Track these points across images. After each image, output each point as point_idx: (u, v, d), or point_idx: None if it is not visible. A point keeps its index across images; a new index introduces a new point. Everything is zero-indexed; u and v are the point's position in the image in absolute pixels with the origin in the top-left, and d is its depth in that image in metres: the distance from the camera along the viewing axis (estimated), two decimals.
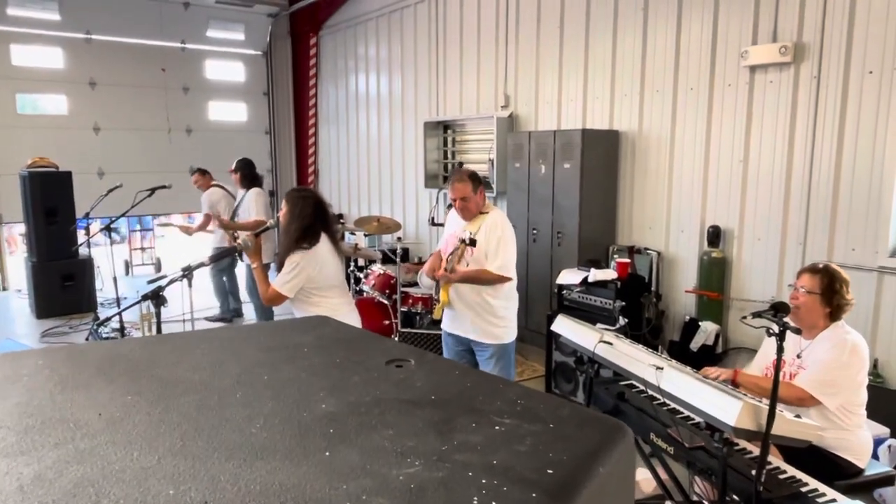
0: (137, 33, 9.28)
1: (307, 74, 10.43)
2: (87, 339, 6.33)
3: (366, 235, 7.73)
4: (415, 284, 5.69)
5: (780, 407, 2.25)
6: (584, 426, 0.99)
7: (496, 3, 6.79)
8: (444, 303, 3.57)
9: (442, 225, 6.12)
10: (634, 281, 4.96)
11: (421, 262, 6.68)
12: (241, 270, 6.61)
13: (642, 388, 2.78)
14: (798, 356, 2.83)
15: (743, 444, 2.54)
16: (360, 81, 9.40)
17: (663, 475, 2.89)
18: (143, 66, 9.35)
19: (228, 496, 0.84)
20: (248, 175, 6.23)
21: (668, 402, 2.62)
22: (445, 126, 7.89)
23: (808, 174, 4.35)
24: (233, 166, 6.32)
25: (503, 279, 3.49)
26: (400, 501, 0.79)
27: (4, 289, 8.80)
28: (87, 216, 6.47)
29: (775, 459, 2.48)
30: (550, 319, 4.55)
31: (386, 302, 5.58)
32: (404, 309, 5.53)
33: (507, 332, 3.65)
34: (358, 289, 6.11)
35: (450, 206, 3.90)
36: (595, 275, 4.77)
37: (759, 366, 3.03)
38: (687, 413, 2.62)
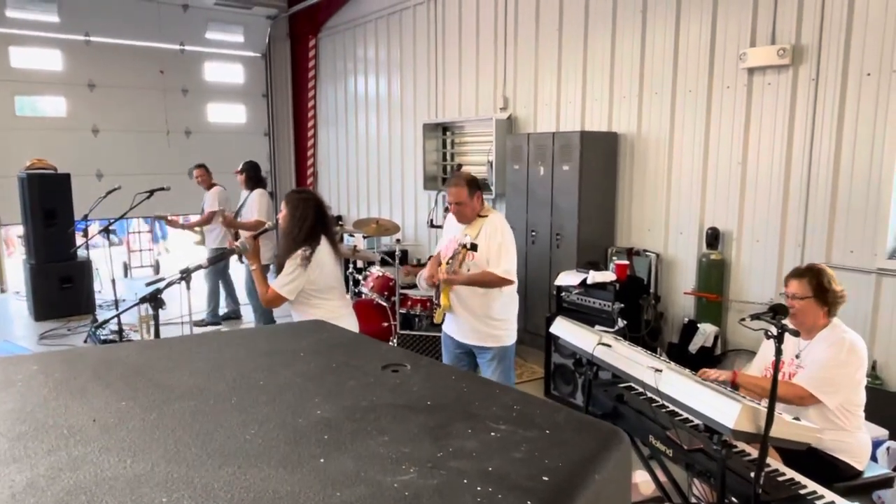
0: (136, 35, 9.28)
1: (306, 76, 10.43)
2: (85, 341, 6.32)
3: (364, 237, 7.74)
4: (414, 286, 5.69)
5: (778, 409, 2.25)
6: (580, 432, 0.98)
7: (495, 5, 6.79)
8: (445, 307, 3.56)
9: (441, 227, 6.13)
10: (633, 283, 4.96)
11: (420, 264, 6.68)
12: (241, 271, 6.60)
13: (641, 390, 2.77)
14: (797, 356, 2.84)
15: (742, 446, 2.54)
16: (360, 83, 9.40)
17: (662, 477, 2.89)
18: (142, 67, 9.36)
19: None
20: (254, 177, 6.30)
21: (666, 404, 2.62)
22: (444, 128, 7.89)
23: (807, 176, 4.34)
24: (239, 168, 6.38)
25: (507, 282, 3.49)
26: None
27: (3, 291, 8.79)
28: (85, 218, 6.46)
29: (774, 462, 2.48)
30: (549, 321, 4.54)
31: (385, 304, 5.57)
32: (403, 311, 5.52)
33: (508, 334, 3.65)
34: (357, 291, 6.10)
35: (447, 209, 3.90)
36: (594, 277, 4.77)
37: (758, 367, 3.03)
38: (686, 415, 2.61)
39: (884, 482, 2.79)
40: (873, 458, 2.91)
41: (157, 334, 3.37)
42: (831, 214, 4.25)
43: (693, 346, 4.84)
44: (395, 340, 5.33)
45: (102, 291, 7.71)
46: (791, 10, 4.35)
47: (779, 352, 2.24)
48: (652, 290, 5.22)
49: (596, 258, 5.37)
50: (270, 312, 5.71)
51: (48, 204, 7.24)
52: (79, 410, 1.18)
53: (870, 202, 4.05)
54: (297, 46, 10.56)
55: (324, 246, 3.48)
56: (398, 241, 6.02)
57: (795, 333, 2.34)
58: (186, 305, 5.81)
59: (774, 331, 2.26)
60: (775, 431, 2.16)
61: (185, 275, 3.48)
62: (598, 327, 3.96)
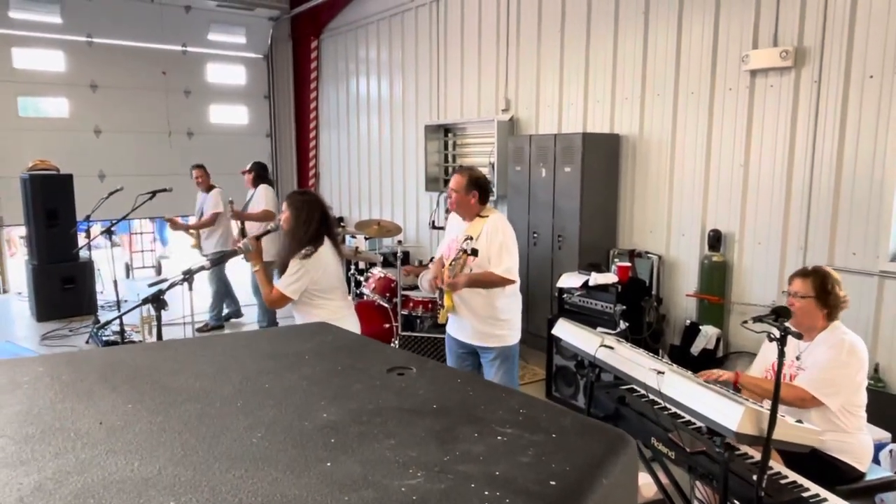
0: (139, 36, 9.29)
1: (308, 77, 10.43)
2: (87, 342, 6.33)
3: (366, 238, 7.75)
4: (415, 288, 5.69)
5: (781, 412, 2.25)
6: (586, 436, 0.98)
7: (497, 7, 6.80)
8: (449, 308, 3.57)
9: (442, 228, 6.13)
10: (635, 285, 4.96)
11: (422, 265, 6.68)
12: (246, 270, 6.59)
13: (643, 392, 2.77)
14: (797, 358, 2.84)
15: (744, 448, 2.54)
16: (362, 85, 9.41)
17: (664, 480, 2.88)
18: (145, 69, 9.36)
19: None
20: (262, 176, 6.48)
21: (669, 406, 2.62)
22: (446, 129, 7.89)
23: (809, 178, 4.34)
24: (247, 167, 6.47)
25: (508, 282, 3.49)
26: None
27: (5, 291, 8.80)
28: (87, 219, 6.47)
29: (776, 464, 2.48)
30: (551, 323, 4.54)
31: (386, 305, 5.57)
32: (405, 312, 5.52)
33: (511, 334, 3.65)
34: (358, 292, 6.11)
35: (448, 210, 3.90)
36: (596, 278, 4.77)
37: (758, 369, 3.03)
38: (688, 417, 2.61)
39: (887, 485, 2.78)
40: (876, 460, 2.91)
41: (159, 335, 3.38)
42: (834, 217, 4.24)
43: (695, 349, 4.84)
44: (396, 342, 5.33)
45: (104, 292, 7.72)
46: (794, 11, 4.35)
47: (782, 354, 2.24)
48: (654, 292, 5.22)
49: (598, 260, 5.37)
50: (273, 311, 5.73)
51: (50, 205, 7.25)
52: (85, 413, 1.18)
53: (872, 204, 4.04)
54: (300, 48, 10.57)
55: (326, 246, 3.50)
56: (400, 242, 6.01)
57: (799, 336, 2.34)
58: (188, 306, 5.82)
59: (777, 333, 2.26)
60: (778, 434, 2.16)
61: (188, 276, 3.49)
62: (599, 329, 3.96)
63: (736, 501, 2.32)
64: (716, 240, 4.84)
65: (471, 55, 7.26)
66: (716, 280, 4.86)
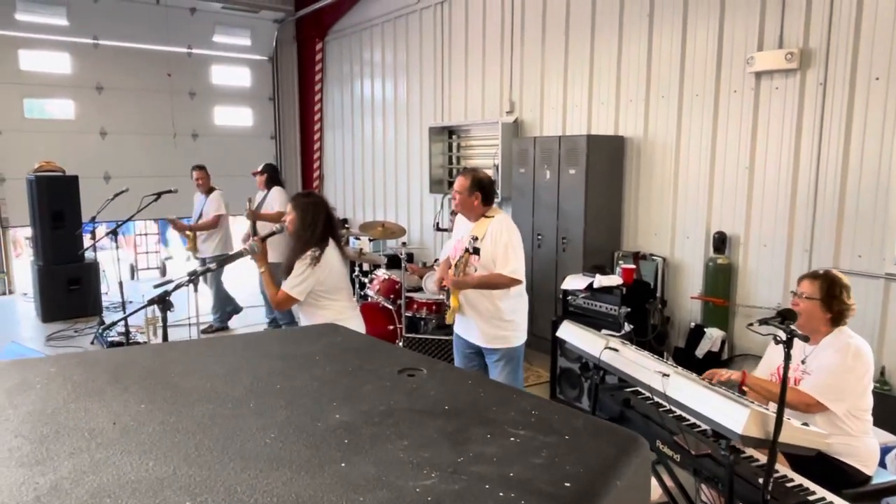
0: (144, 38, 9.32)
1: (313, 79, 10.46)
2: (91, 342, 6.35)
3: (370, 240, 7.76)
4: (420, 289, 5.70)
5: (787, 415, 2.25)
6: (599, 438, 0.99)
7: (501, 9, 6.81)
8: (455, 308, 3.59)
9: (447, 230, 6.14)
10: (640, 287, 4.96)
11: (426, 267, 6.69)
12: (255, 270, 6.60)
13: (648, 394, 2.77)
14: (803, 362, 2.83)
15: (750, 451, 2.54)
16: (366, 87, 9.43)
17: (669, 483, 2.88)
18: (150, 71, 9.40)
19: None
20: (274, 178, 6.54)
21: (674, 409, 2.62)
22: (450, 131, 7.90)
23: (815, 180, 4.34)
24: (259, 168, 6.51)
25: (515, 282, 3.50)
26: None
27: (10, 292, 8.83)
28: (93, 220, 6.49)
29: (782, 467, 2.47)
30: (555, 325, 4.55)
31: (390, 307, 5.58)
32: (409, 314, 5.53)
33: (516, 335, 3.66)
34: (363, 293, 6.12)
35: (453, 212, 3.91)
36: (600, 281, 4.77)
37: (764, 372, 3.03)
38: (693, 420, 2.61)
39: (893, 489, 2.77)
40: (882, 464, 2.91)
41: (164, 337, 3.39)
42: (839, 219, 4.24)
43: (700, 351, 4.84)
44: (400, 343, 5.34)
45: (109, 293, 7.74)
46: (799, 13, 4.35)
47: (788, 357, 2.24)
48: (658, 295, 5.21)
49: (602, 262, 5.37)
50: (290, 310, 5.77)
51: (56, 206, 7.28)
52: (98, 413, 1.19)
53: (878, 207, 4.04)
54: (304, 50, 10.59)
55: (331, 248, 3.52)
56: (404, 244, 6.03)
57: (805, 339, 2.34)
58: (193, 308, 5.83)
59: (783, 336, 2.26)
60: (784, 437, 2.16)
61: (194, 277, 3.51)
62: (604, 331, 3.96)
63: None
64: (721, 242, 4.84)
65: (475, 57, 7.27)
66: (721, 282, 4.86)
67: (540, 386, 5.25)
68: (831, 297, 2.74)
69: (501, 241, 3.49)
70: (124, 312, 4.96)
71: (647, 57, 5.38)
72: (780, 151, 4.53)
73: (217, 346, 1.60)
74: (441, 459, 0.93)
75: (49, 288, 7.29)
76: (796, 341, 2.25)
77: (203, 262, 6.47)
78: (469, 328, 3.69)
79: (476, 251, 3.42)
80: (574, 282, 4.95)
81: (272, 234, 3.90)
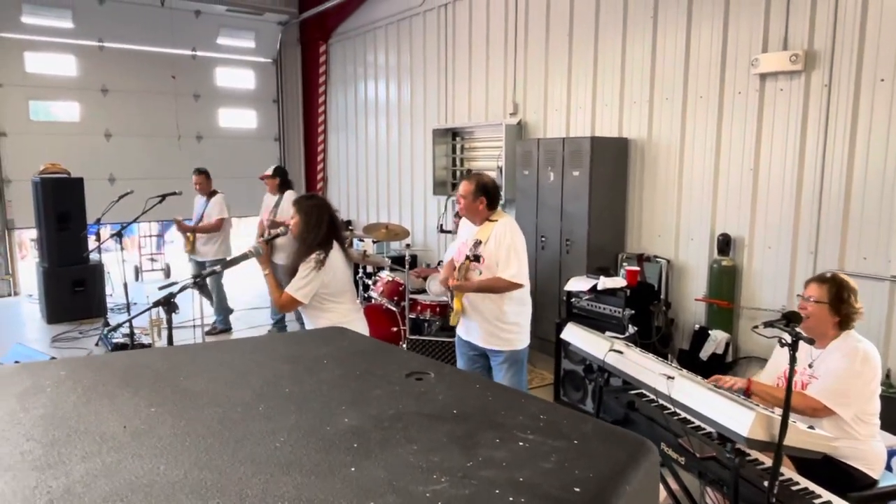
0: (149, 41, 9.36)
1: (317, 82, 10.48)
2: (96, 344, 6.37)
3: (374, 242, 7.76)
4: (423, 291, 5.71)
5: (793, 417, 2.25)
6: (608, 442, 0.99)
7: (505, 11, 6.82)
8: (459, 310, 3.60)
9: (450, 232, 6.16)
10: (644, 289, 4.95)
11: (429, 269, 6.70)
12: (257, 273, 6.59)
13: (653, 397, 2.77)
14: (809, 366, 2.83)
15: (755, 454, 2.53)
16: (370, 88, 9.44)
17: (674, 485, 2.88)
18: (155, 73, 9.44)
19: None
20: (285, 181, 6.48)
21: (678, 411, 2.62)
22: (454, 133, 7.91)
23: (819, 182, 4.33)
24: (270, 172, 6.45)
25: (516, 286, 3.51)
26: None
27: (16, 293, 8.87)
28: (98, 222, 6.52)
29: (788, 471, 2.47)
30: (559, 327, 4.55)
31: (394, 309, 5.59)
32: (413, 316, 5.54)
33: (520, 338, 3.67)
34: (366, 296, 6.13)
35: (457, 214, 3.92)
36: (604, 283, 4.77)
37: (770, 375, 3.02)
38: (698, 423, 2.61)
39: None
40: (889, 468, 2.90)
41: (170, 338, 3.40)
42: (844, 221, 4.23)
43: (704, 353, 4.83)
44: (404, 345, 5.34)
45: (114, 295, 7.77)
46: (803, 15, 4.35)
47: (793, 359, 2.23)
48: (663, 297, 5.21)
49: (606, 264, 5.37)
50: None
51: (61, 208, 7.31)
52: (109, 416, 1.19)
53: (883, 208, 4.03)
54: (308, 52, 10.62)
55: (335, 250, 3.52)
56: (408, 246, 6.04)
57: (810, 341, 2.34)
58: (198, 309, 5.84)
59: (788, 338, 2.25)
60: (789, 440, 2.15)
61: (199, 279, 3.52)
62: (608, 333, 3.96)
63: None
64: (725, 244, 4.84)
65: (478, 59, 7.28)
66: (725, 284, 4.86)
67: (544, 388, 5.25)
68: (839, 301, 2.73)
69: (504, 244, 3.50)
70: (129, 314, 4.98)
71: (651, 58, 5.38)
72: (785, 153, 4.53)
73: (225, 350, 1.61)
74: (451, 464, 0.94)
75: (54, 289, 7.32)
76: (803, 345, 2.25)
77: (203, 265, 6.43)
78: (473, 330, 3.70)
79: (476, 258, 3.44)
80: (578, 284, 4.95)
81: (276, 236, 3.92)
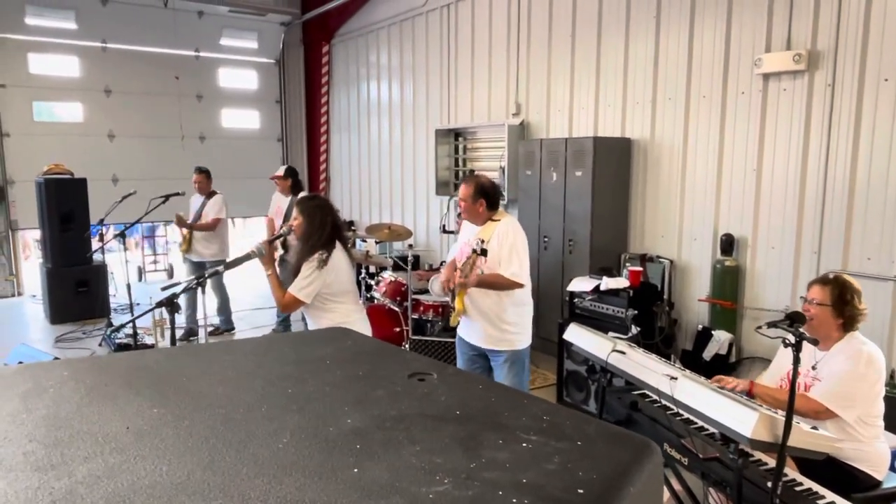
0: (152, 42, 9.38)
1: (319, 82, 10.49)
2: (100, 344, 6.39)
3: (377, 242, 7.76)
4: (426, 292, 5.71)
5: (796, 418, 2.24)
6: (611, 444, 0.99)
7: (507, 11, 6.81)
8: (460, 311, 3.59)
9: (453, 232, 6.15)
10: (647, 289, 4.94)
11: (432, 270, 6.70)
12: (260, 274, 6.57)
13: (655, 397, 2.77)
14: (813, 367, 2.81)
15: (758, 455, 2.53)
16: (372, 89, 9.45)
17: (677, 486, 2.87)
18: (158, 74, 9.45)
19: None
20: (296, 182, 6.44)
21: (682, 412, 2.61)
22: (457, 133, 7.91)
23: (823, 182, 4.32)
24: (281, 173, 6.41)
25: (516, 285, 3.51)
26: None
27: (19, 294, 8.89)
28: (101, 222, 6.52)
29: (791, 471, 2.46)
30: (562, 327, 4.54)
31: (397, 309, 5.59)
32: (415, 316, 5.54)
33: (521, 338, 3.66)
34: (369, 296, 6.13)
35: (460, 215, 3.92)
36: (607, 283, 4.76)
37: (773, 376, 3.01)
38: (701, 423, 2.61)
39: None
40: (893, 469, 2.89)
41: (172, 339, 3.41)
42: (848, 221, 4.22)
43: (707, 354, 4.82)
44: (407, 345, 5.34)
45: (117, 295, 7.78)
46: (807, 14, 4.34)
47: (797, 360, 2.23)
48: (666, 297, 5.20)
49: (609, 264, 5.36)
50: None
51: (65, 208, 7.33)
52: (112, 417, 1.19)
53: (887, 208, 4.02)
54: (311, 52, 10.64)
55: (338, 250, 3.53)
56: (410, 246, 6.03)
57: (814, 342, 2.33)
58: (201, 310, 5.83)
59: (792, 339, 2.25)
60: (793, 440, 2.15)
61: (201, 280, 3.52)
62: (611, 334, 3.95)
63: None
64: (728, 244, 4.82)
65: (481, 59, 7.27)
66: (728, 285, 4.85)
67: (547, 389, 5.25)
68: (843, 303, 2.71)
69: (507, 244, 3.50)
70: (132, 314, 4.99)
71: (654, 58, 5.37)
72: (788, 153, 4.51)
73: (228, 350, 1.61)
74: (454, 465, 0.94)
75: (58, 290, 7.34)
76: (807, 347, 2.24)
77: (200, 265, 6.34)
78: (474, 330, 3.69)
79: (483, 252, 3.43)
80: (581, 284, 4.95)
81: (280, 236, 3.93)
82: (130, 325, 5.41)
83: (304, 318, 4.30)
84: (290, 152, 10.93)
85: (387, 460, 0.97)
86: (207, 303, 6.52)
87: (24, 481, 0.95)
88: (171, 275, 9.89)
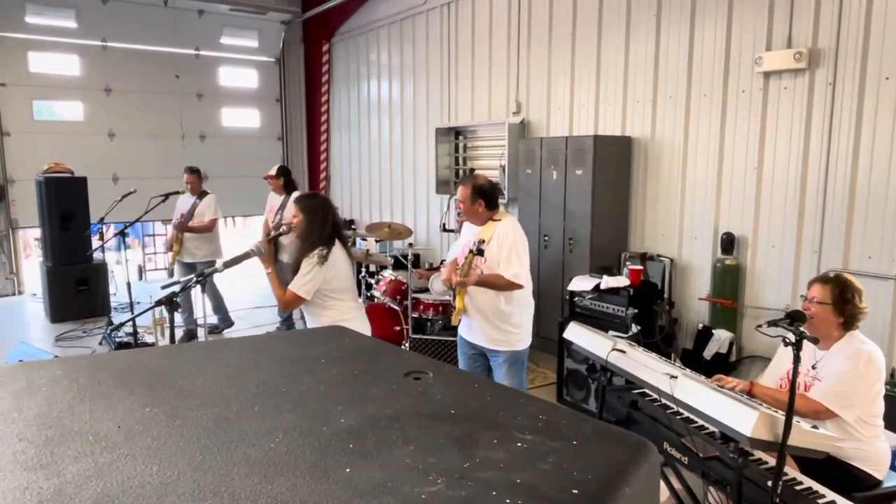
0: (152, 40, 9.36)
1: (319, 81, 10.48)
2: (100, 343, 6.38)
3: (377, 241, 7.75)
4: (426, 290, 5.69)
5: (796, 417, 2.23)
6: (607, 443, 0.97)
7: (508, 10, 6.80)
8: (461, 309, 3.58)
9: (453, 231, 6.14)
10: (647, 288, 4.93)
11: (432, 268, 6.68)
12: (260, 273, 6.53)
13: (656, 396, 2.76)
14: (813, 367, 2.80)
15: (758, 454, 2.51)
16: (373, 88, 9.44)
17: (677, 485, 2.86)
18: (158, 72, 9.44)
19: None
20: (289, 181, 6.39)
21: (682, 411, 2.60)
22: (457, 132, 7.90)
23: (824, 181, 4.31)
24: (274, 172, 6.37)
25: (516, 286, 3.49)
26: None
27: (19, 292, 8.89)
28: (101, 221, 6.52)
29: (791, 470, 2.45)
30: (562, 326, 4.53)
31: (397, 308, 5.58)
32: (415, 315, 5.53)
33: (520, 339, 3.65)
34: (369, 294, 6.12)
35: (460, 214, 3.91)
36: (607, 282, 4.75)
37: (772, 375, 3.00)
38: (701, 422, 2.59)
39: None
40: (893, 467, 2.87)
41: (172, 337, 3.41)
42: (848, 220, 4.20)
43: (707, 353, 4.81)
44: (407, 344, 5.33)
45: (117, 294, 7.78)
46: (808, 13, 4.32)
47: (797, 359, 2.21)
48: (666, 296, 5.19)
49: (609, 263, 5.35)
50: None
51: (65, 207, 7.32)
52: (103, 416, 1.18)
53: (888, 207, 4.00)
54: (311, 51, 10.62)
55: (337, 247, 3.53)
56: (410, 245, 6.02)
57: (815, 340, 2.31)
58: (200, 308, 5.83)
59: (792, 337, 2.23)
60: (793, 439, 2.13)
61: (201, 278, 3.51)
62: (611, 333, 3.94)
63: None
64: (729, 243, 4.81)
65: (481, 58, 7.26)
66: (729, 283, 4.83)
67: (546, 387, 5.23)
68: (843, 302, 2.70)
69: (506, 245, 3.48)
70: (132, 313, 4.98)
71: (655, 57, 5.35)
72: (789, 151, 4.50)
73: (223, 349, 1.60)
74: (448, 465, 0.92)
75: (58, 288, 7.33)
76: (807, 346, 2.23)
77: (193, 266, 6.23)
78: (474, 330, 3.69)
79: (481, 252, 3.42)
80: (581, 283, 4.93)
81: (279, 235, 3.91)
82: (130, 323, 5.41)
83: (303, 317, 4.31)
84: (290, 151, 10.92)
85: (380, 460, 0.95)
86: (208, 302, 6.57)
87: (13, 481, 0.94)
88: (171, 274, 9.87)
